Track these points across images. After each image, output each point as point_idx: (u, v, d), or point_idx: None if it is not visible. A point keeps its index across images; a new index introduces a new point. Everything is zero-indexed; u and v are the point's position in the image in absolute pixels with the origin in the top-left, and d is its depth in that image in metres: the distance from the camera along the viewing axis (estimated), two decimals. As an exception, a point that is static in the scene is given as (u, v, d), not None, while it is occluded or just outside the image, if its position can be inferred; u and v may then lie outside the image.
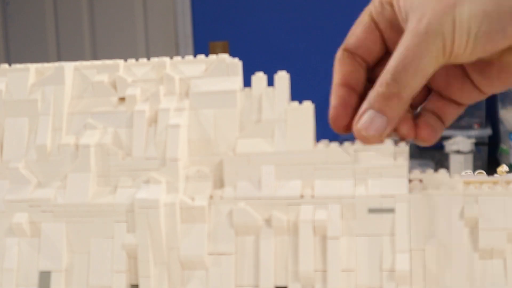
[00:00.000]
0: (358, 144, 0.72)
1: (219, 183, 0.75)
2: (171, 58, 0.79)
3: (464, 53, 0.66)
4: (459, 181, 0.73)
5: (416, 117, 0.75)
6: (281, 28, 3.01)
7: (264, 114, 0.75)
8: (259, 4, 3.07)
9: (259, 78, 0.76)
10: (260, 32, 3.04)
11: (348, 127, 0.73)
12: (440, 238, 0.70)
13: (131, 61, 0.79)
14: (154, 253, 0.73)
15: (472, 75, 0.73)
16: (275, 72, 0.76)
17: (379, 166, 0.72)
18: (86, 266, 0.75)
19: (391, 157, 0.72)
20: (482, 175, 0.77)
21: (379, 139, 0.71)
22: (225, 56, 0.77)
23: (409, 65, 0.67)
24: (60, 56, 3.59)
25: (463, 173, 0.77)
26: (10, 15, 3.56)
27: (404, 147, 0.72)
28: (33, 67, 0.80)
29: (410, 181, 0.73)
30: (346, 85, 0.74)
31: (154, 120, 0.76)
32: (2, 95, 0.79)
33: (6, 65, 0.81)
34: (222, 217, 0.73)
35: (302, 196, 0.72)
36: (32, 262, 0.76)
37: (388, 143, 0.72)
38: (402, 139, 0.73)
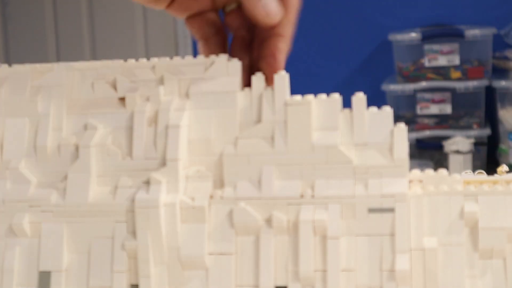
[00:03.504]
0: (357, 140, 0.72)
1: (219, 183, 0.75)
2: (171, 58, 0.79)
3: None
4: (459, 181, 0.73)
5: None
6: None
7: (264, 114, 0.75)
8: (258, 4, 3.07)
9: (259, 78, 0.76)
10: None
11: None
12: (440, 237, 0.71)
13: (131, 61, 0.79)
14: (154, 253, 0.73)
15: None
16: (275, 72, 0.76)
17: (379, 166, 0.72)
18: (86, 266, 0.75)
19: (391, 157, 0.72)
20: (482, 175, 0.77)
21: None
22: (225, 56, 0.77)
23: None
24: (59, 56, 3.58)
25: (463, 173, 0.77)
26: (10, 15, 3.56)
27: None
28: (33, 67, 0.80)
29: (410, 181, 0.73)
30: None
31: (154, 120, 0.76)
32: (2, 95, 0.79)
33: (6, 65, 0.81)
34: (222, 217, 0.73)
35: (302, 196, 0.72)
36: (32, 262, 0.76)
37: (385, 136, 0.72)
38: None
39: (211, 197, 0.74)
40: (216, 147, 0.75)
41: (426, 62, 2.70)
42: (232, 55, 0.78)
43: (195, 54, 0.80)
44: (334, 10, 3.01)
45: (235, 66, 0.76)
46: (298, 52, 3.04)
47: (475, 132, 2.66)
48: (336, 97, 0.74)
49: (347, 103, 0.75)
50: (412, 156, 2.76)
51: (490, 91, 2.71)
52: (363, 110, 0.73)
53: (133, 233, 0.74)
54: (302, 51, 2.99)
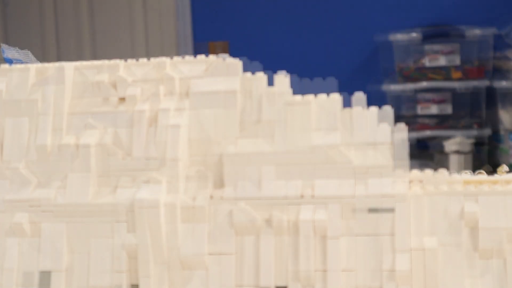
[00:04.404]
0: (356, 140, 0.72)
1: (219, 183, 0.75)
2: (171, 58, 0.79)
3: None
4: (459, 181, 0.73)
5: None
6: (281, 28, 3.01)
7: (264, 114, 0.75)
8: (259, 4, 3.07)
9: (259, 78, 0.76)
10: (260, 32, 3.04)
11: None
12: (440, 237, 0.71)
13: (131, 61, 0.79)
14: (154, 253, 0.73)
15: None
16: (275, 72, 0.76)
17: (379, 166, 0.72)
18: (86, 266, 0.75)
19: (391, 157, 0.72)
20: (482, 175, 0.77)
21: None
22: (225, 56, 0.77)
23: None
24: (60, 56, 3.59)
25: (463, 173, 0.77)
26: (10, 15, 3.56)
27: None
28: (33, 67, 0.80)
29: (410, 181, 0.73)
30: None
31: (154, 120, 0.76)
32: (2, 95, 0.79)
33: (6, 65, 0.81)
34: (222, 217, 0.73)
35: (302, 196, 0.72)
36: (32, 262, 0.76)
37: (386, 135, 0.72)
38: None
39: (211, 197, 0.74)
40: (216, 147, 0.75)
41: (427, 62, 2.70)
42: None
43: (195, 54, 0.80)
44: (335, 10, 3.01)
45: (235, 66, 0.76)
46: (299, 52, 3.04)
47: (476, 132, 2.66)
48: (336, 97, 0.74)
49: (347, 103, 0.75)
50: (412, 156, 2.76)
51: (490, 91, 2.70)
52: (363, 110, 0.73)
53: (133, 233, 0.74)
54: (302, 51, 2.99)
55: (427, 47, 2.77)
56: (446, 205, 0.71)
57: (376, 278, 0.70)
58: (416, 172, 0.74)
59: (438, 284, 0.70)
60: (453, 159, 2.62)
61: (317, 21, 3.09)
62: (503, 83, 2.68)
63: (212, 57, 0.77)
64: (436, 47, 2.76)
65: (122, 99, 0.78)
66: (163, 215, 0.73)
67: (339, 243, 0.71)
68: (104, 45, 3.55)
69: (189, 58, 0.78)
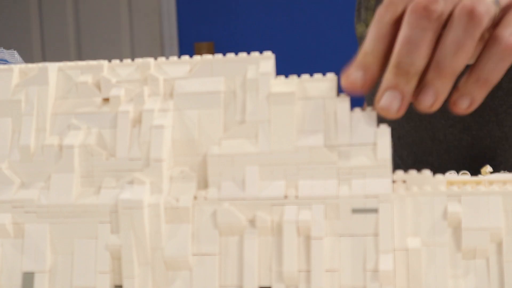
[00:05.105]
0: (341, 142, 0.73)
1: (203, 184, 0.75)
2: (156, 59, 0.79)
3: None
4: (442, 181, 0.73)
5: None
6: (267, 29, 3.02)
7: (248, 114, 0.75)
8: (244, 5, 3.08)
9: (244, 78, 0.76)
10: (246, 32, 3.05)
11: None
12: (423, 238, 0.71)
13: (115, 61, 0.79)
14: (138, 253, 0.73)
15: None
16: (260, 72, 0.76)
17: (362, 166, 0.72)
18: (70, 267, 0.75)
19: (374, 157, 0.72)
20: (465, 175, 0.77)
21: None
22: (210, 57, 0.77)
23: None
24: (45, 57, 3.58)
25: (447, 174, 0.77)
26: (-5, 15, 3.55)
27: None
28: (16, 67, 0.79)
29: (393, 181, 0.73)
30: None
31: (138, 121, 0.76)
32: (-15, 96, 0.79)
33: (-11, 66, 0.81)
34: (206, 218, 0.73)
35: (286, 197, 0.72)
36: (16, 263, 0.76)
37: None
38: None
39: (195, 197, 0.74)
40: (200, 147, 0.75)
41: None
42: None
43: (180, 55, 0.80)
44: (315, 10, 3.02)
45: (220, 66, 0.76)
46: (283, 53, 3.05)
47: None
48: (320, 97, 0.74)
49: (331, 104, 0.75)
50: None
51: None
52: (347, 111, 0.73)
53: (117, 234, 0.74)
54: (286, 51, 3.00)
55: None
56: (429, 206, 0.71)
57: (359, 278, 0.70)
58: (400, 173, 0.74)
59: (421, 284, 0.70)
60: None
61: (303, 21, 3.10)
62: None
63: (196, 57, 0.77)
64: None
65: (106, 100, 0.78)
66: (147, 216, 0.73)
67: (323, 244, 0.71)
68: (89, 45, 3.55)
69: (173, 58, 0.78)
